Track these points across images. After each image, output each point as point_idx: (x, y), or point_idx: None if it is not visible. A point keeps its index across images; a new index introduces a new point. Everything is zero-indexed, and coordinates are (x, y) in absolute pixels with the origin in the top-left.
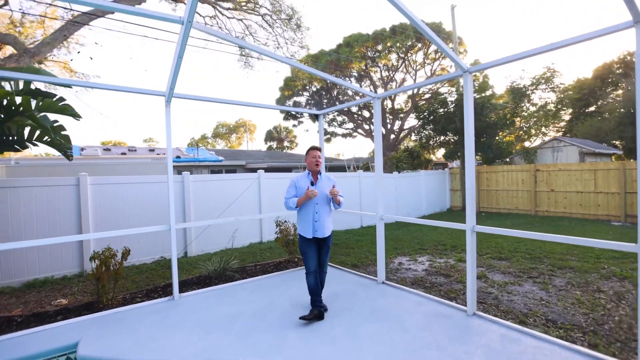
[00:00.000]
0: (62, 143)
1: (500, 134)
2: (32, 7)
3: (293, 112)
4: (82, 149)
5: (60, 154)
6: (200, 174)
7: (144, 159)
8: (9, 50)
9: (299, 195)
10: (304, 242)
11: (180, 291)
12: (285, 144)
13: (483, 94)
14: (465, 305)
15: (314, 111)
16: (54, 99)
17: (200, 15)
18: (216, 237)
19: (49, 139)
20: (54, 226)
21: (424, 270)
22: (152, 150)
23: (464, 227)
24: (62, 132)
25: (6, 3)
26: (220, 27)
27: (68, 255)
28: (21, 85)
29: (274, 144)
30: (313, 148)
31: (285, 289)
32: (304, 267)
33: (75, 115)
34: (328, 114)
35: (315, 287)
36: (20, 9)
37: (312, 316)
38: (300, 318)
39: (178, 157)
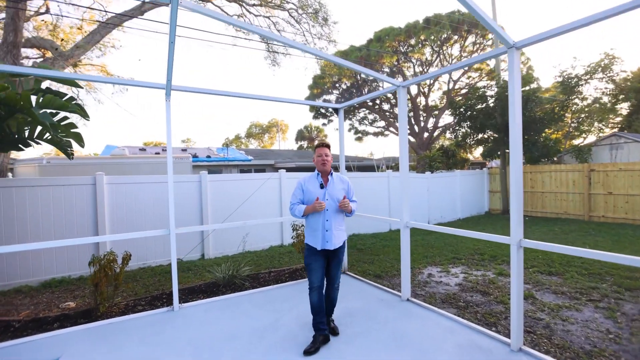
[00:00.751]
0: (62, 141)
1: (546, 130)
2: (70, 12)
3: (323, 111)
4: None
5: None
6: (229, 173)
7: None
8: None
9: (306, 200)
10: (310, 253)
11: (185, 300)
12: (316, 143)
13: (528, 87)
14: (509, 337)
15: (334, 105)
16: (64, 99)
17: (228, 14)
18: (235, 239)
19: (49, 137)
20: (70, 226)
21: (458, 285)
22: (184, 150)
23: (507, 241)
24: (72, 130)
25: (47, 10)
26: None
27: (84, 255)
28: (32, 85)
29: (305, 144)
30: (320, 145)
31: (295, 303)
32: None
33: (84, 115)
34: (358, 112)
35: (319, 306)
36: (58, 14)
37: (316, 347)
38: (305, 353)
39: (209, 156)
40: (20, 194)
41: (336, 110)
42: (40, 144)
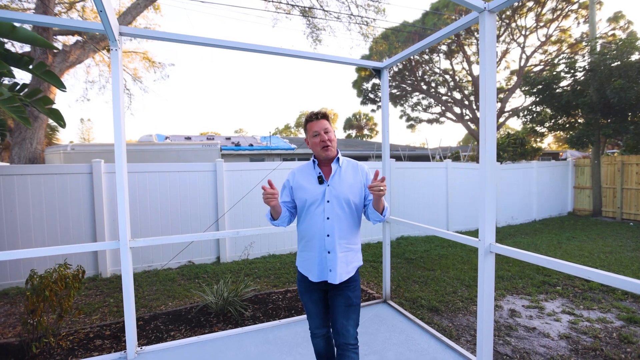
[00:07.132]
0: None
1: None
2: None
3: (371, 96)
4: (166, 137)
5: None
6: (272, 161)
7: (195, 145)
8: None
9: (299, 203)
10: (303, 285)
11: (159, 333)
12: (365, 132)
13: (627, 59)
14: None
15: (375, 63)
16: (32, 66)
17: None
18: (255, 240)
19: None
20: (64, 219)
21: (563, 337)
22: (228, 138)
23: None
24: (47, 107)
25: None
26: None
27: (82, 255)
28: None
29: (354, 132)
30: (313, 117)
31: (305, 357)
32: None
33: (58, 86)
34: (411, 97)
35: (327, 354)
36: None
37: None
38: None
39: (251, 145)
40: (9, 182)
41: (378, 72)
42: None
